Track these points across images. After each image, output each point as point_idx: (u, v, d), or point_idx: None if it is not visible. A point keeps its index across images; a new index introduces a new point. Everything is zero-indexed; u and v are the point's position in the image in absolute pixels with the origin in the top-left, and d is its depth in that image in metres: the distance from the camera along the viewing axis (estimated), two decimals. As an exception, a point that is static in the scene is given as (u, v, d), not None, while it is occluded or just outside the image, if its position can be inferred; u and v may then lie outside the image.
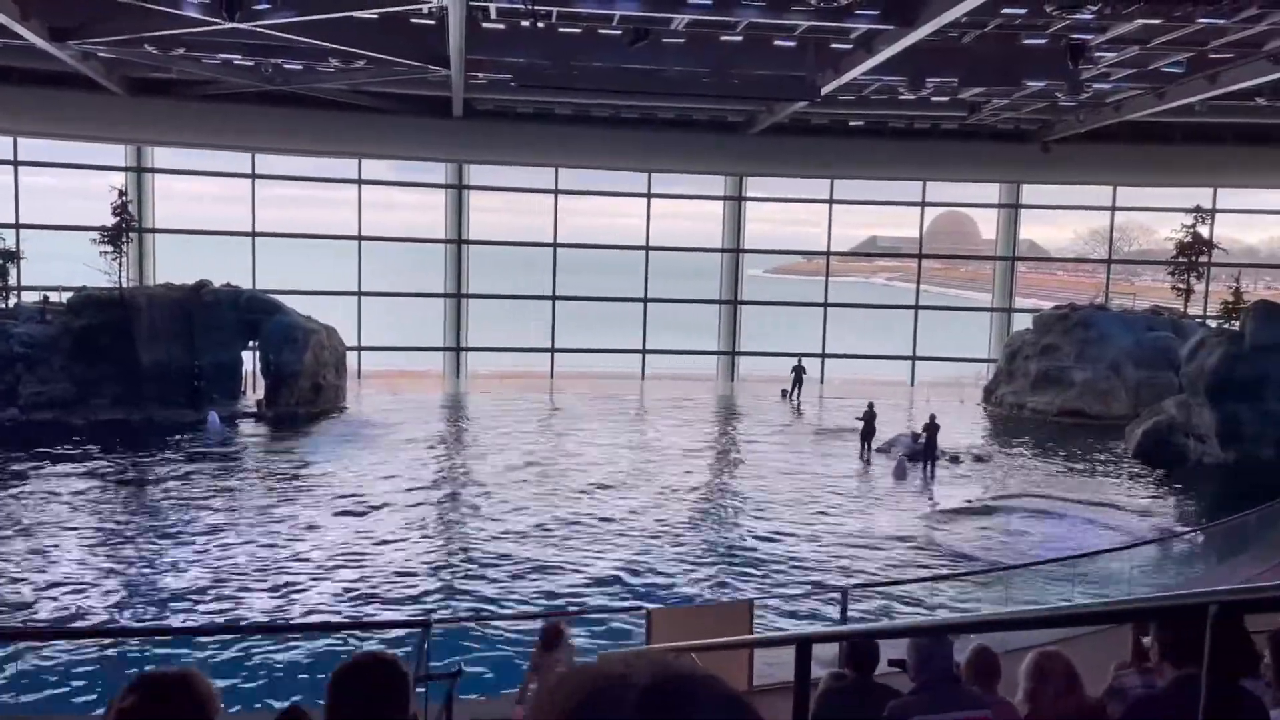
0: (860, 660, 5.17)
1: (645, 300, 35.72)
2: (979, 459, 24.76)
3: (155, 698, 2.26)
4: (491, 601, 14.46)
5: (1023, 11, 19.49)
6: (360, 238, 33.72)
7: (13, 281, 29.25)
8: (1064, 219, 49.06)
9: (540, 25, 20.62)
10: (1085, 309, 32.42)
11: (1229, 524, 16.63)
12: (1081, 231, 45.71)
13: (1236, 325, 26.49)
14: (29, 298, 28.80)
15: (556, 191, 34.94)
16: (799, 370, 32.49)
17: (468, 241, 35.09)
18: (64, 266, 29.02)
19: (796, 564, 16.62)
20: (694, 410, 30.43)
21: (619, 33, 22.19)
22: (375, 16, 21.38)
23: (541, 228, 35.28)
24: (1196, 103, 25.05)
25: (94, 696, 10.69)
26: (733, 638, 8.60)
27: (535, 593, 14.88)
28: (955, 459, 24.16)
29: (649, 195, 35.55)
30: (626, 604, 14.06)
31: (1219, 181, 34.40)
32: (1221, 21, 19.37)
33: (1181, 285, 33.72)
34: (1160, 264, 37.99)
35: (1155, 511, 20.71)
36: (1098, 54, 22.11)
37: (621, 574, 15.77)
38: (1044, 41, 21.67)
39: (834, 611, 12.85)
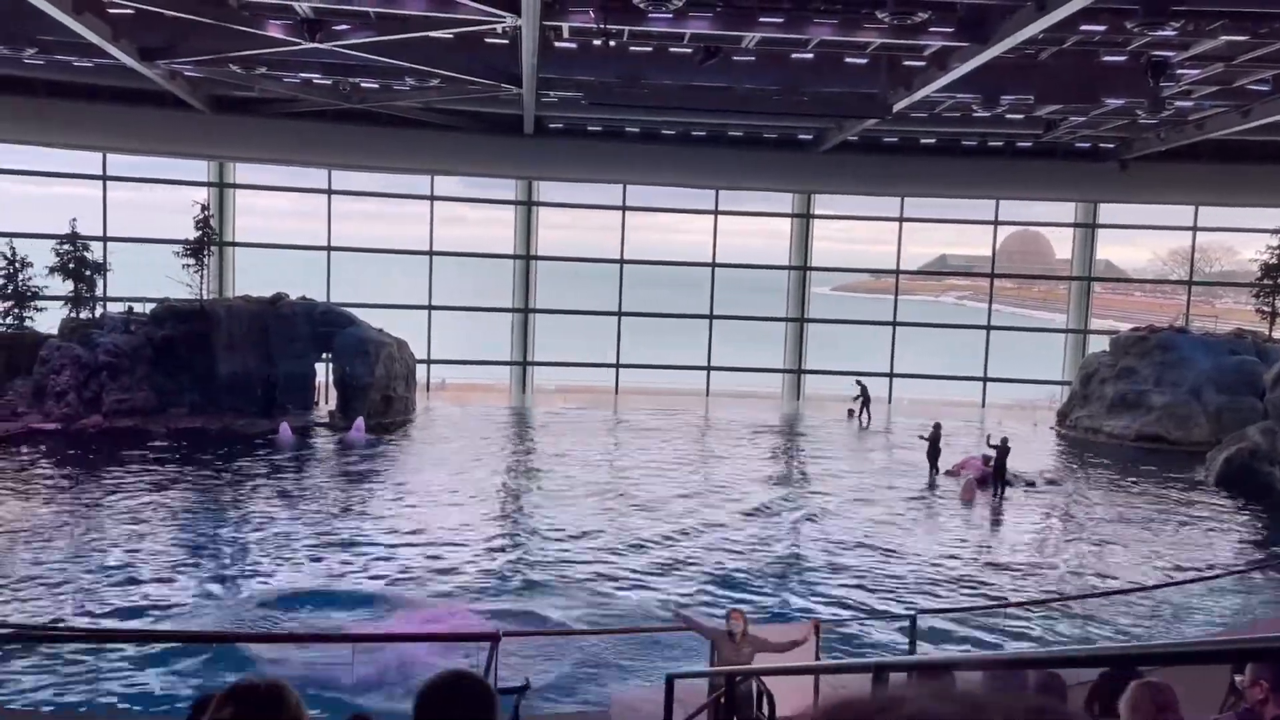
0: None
1: (711, 317, 35.70)
2: (1052, 483, 24.21)
3: (253, 709, 2.30)
4: (558, 615, 14.49)
5: (1102, 28, 19.13)
6: (432, 253, 34.26)
7: (99, 292, 30.24)
8: (1142, 239, 47.84)
9: (612, 44, 20.79)
10: (1165, 331, 31.55)
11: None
12: (1161, 252, 44.63)
13: (1325, 350, 25.57)
14: (114, 308, 29.75)
15: (624, 208, 35.13)
16: (864, 389, 32.10)
17: (536, 257, 35.43)
18: (148, 278, 29.94)
19: (861, 586, 16.39)
20: (760, 428, 30.24)
21: (689, 51, 22.29)
22: (450, 36, 21.77)
23: (609, 244, 35.51)
24: (1284, 121, 24.33)
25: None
26: (804, 663, 8.49)
27: (602, 607, 14.88)
28: (1030, 484, 23.64)
29: (716, 212, 35.55)
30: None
31: (1306, 202, 33.30)
32: (1312, 38, 18.82)
33: (1266, 308, 32.68)
34: (1244, 286, 36.86)
35: (1238, 543, 20.04)
36: (1180, 71, 21.60)
37: (686, 592, 15.71)
38: (1124, 59, 21.23)
39: (901, 636, 12.68)
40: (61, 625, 13.35)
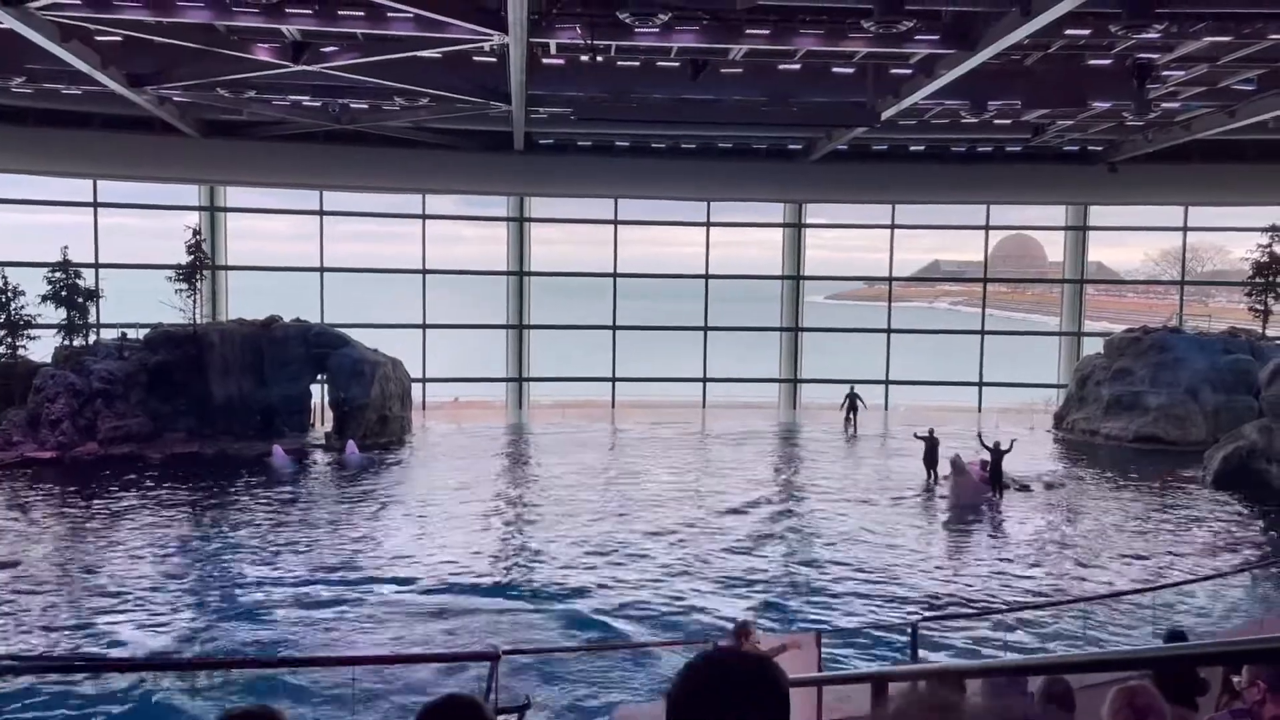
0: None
1: (705, 329, 35.72)
2: (1049, 487, 24.21)
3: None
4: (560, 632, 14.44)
5: (1087, 32, 19.23)
6: (424, 271, 34.27)
7: (92, 319, 30.17)
8: (1133, 240, 48.04)
9: (599, 60, 20.86)
10: (1158, 332, 31.62)
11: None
12: (1152, 253, 44.74)
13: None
14: (108, 335, 29.69)
15: (616, 222, 35.19)
16: (854, 397, 32.20)
17: (529, 273, 35.45)
18: (141, 304, 29.89)
19: (860, 595, 16.35)
20: (756, 437, 30.21)
21: (677, 65, 22.37)
22: (438, 56, 21.82)
23: (602, 258, 35.57)
24: (1269, 120, 24.44)
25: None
26: (806, 675, 8.46)
27: (602, 623, 14.83)
28: (1025, 487, 23.64)
29: (708, 224, 35.61)
30: (693, 639, 13.93)
31: (1295, 199, 33.42)
32: (1294, 37, 18.92)
33: (1259, 306, 32.76)
34: (1236, 285, 36.97)
35: (1236, 542, 20.03)
36: (1165, 73, 21.71)
37: (686, 606, 15.66)
38: (1109, 62, 21.35)
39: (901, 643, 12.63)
40: (56, 656, 13.26)
